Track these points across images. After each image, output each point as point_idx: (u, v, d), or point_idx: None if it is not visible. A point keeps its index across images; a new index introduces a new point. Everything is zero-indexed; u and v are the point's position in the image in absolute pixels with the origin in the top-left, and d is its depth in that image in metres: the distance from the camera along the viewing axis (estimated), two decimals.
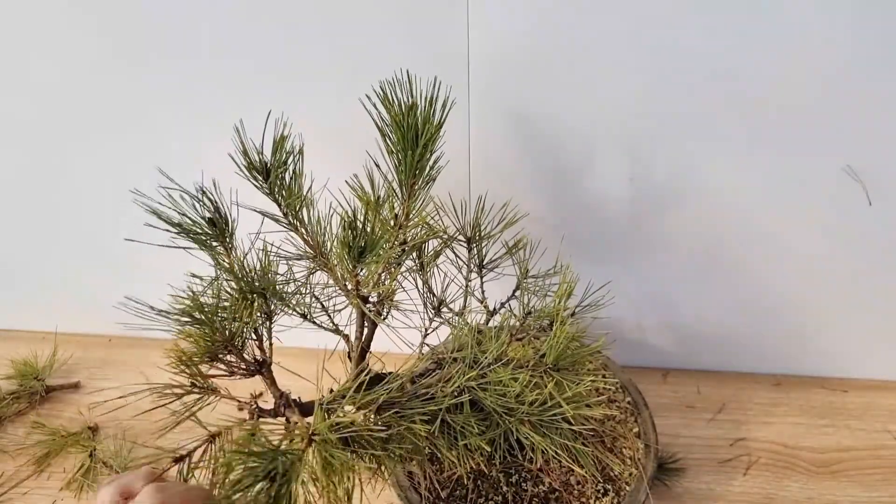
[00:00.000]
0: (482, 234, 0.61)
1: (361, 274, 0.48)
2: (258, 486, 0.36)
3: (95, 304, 1.00)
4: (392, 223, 0.50)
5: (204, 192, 0.49)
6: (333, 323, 0.53)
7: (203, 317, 0.45)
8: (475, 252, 0.61)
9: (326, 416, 0.44)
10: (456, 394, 0.48)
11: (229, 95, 0.70)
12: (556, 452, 0.49)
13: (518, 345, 0.54)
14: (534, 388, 0.48)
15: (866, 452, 0.82)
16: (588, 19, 0.60)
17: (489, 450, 0.49)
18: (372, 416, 0.46)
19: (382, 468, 0.46)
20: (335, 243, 0.50)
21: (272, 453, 0.37)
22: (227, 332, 0.45)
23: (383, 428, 0.43)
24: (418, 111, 0.48)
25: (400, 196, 0.50)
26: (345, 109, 0.64)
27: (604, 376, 0.75)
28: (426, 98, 0.49)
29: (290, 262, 0.51)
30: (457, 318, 0.58)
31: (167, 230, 0.48)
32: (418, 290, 0.58)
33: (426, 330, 0.57)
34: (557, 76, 0.64)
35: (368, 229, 0.43)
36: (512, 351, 0.52)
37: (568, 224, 0.76)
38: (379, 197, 0.50)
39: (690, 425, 0.86)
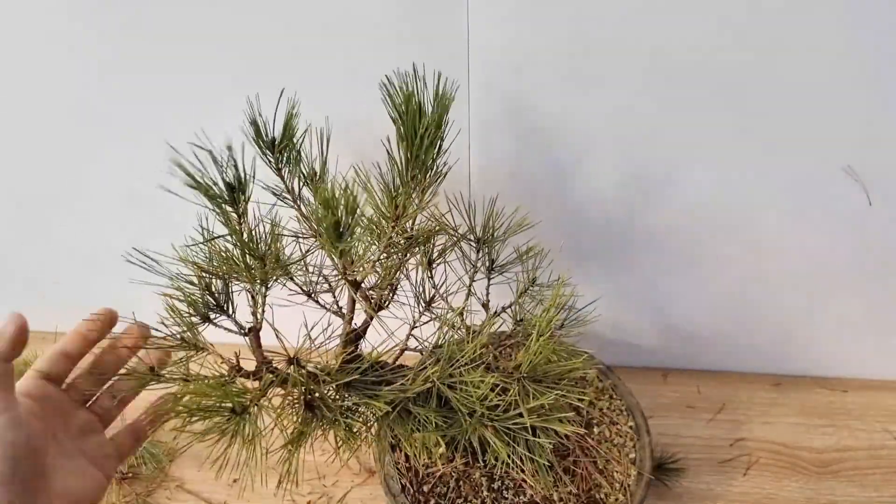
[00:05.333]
0: (494, 235, 0.61)
1: (353, 255, 0.48)
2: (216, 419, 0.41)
3: (95, 304, 1.00)
4: (389, 212, 0.50)
5: (231, 155, 0.49)
6: (338, 306, 0.53)
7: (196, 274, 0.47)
8: (480, 253, 0.62)
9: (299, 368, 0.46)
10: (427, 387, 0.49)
11: (232, 93, 0.70)
12: (514, 461, 0.50)
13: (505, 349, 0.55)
14: (501, 393, 0.49)
15: (866, 452, 0.82)
16: (588, 19, 0.60)
17: (443, 447, 0.50)
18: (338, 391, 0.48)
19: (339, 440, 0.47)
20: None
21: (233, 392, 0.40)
22: (218, 293, 0.47)
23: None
24: (415, 101, 0.49)
25: (401, 185, 0.51)
26: (344, 106, 0.64)
27: (611, 397, 0.75)
28: (432, 89, 0.50)
29: (295, 240, 0.52)
30: (447, 314, 0.59)
31: (190, 187, 0.49)
32: (410, 283, 0.58)
33: (414, 323, 0.58)
34: (556, 77, 0.64)
35: (350, 210, 0.43)
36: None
37: (567, 224, 0.76)
38: (366, 183, 0.50)
39: (690, 425, 0.86)
